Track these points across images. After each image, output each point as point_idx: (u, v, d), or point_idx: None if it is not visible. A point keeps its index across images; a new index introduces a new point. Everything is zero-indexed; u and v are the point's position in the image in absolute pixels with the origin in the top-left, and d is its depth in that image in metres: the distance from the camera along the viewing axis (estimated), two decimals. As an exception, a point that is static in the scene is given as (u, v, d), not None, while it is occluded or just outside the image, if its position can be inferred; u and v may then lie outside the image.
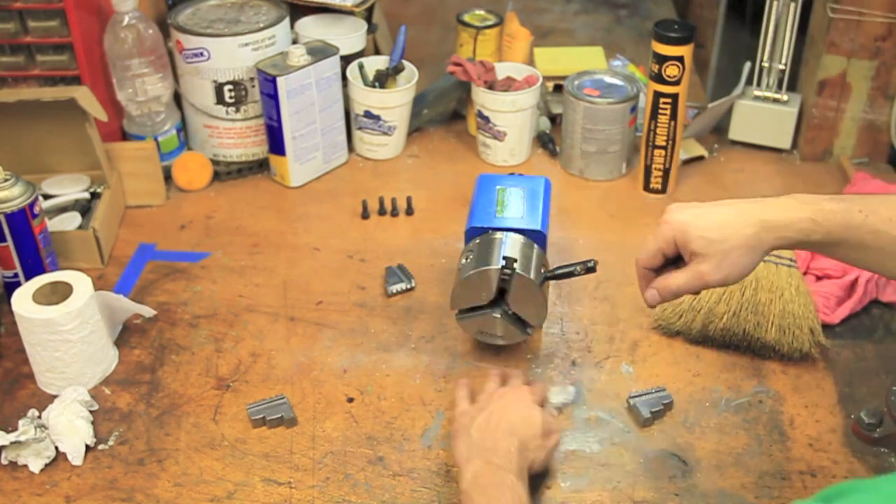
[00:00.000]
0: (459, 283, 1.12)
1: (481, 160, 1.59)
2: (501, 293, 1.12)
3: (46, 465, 1.04)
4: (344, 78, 1.54)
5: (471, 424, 0.99)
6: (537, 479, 1.02)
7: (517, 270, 1.10)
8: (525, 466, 0.95)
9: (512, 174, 1.29)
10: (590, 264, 1.12)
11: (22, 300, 1.10)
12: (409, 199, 1.47)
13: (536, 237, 1.16)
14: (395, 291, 1.29)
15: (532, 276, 1.10)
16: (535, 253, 1.15)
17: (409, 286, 1.29)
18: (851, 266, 1.14)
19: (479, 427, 0.98)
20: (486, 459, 0.93)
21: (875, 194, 0.90)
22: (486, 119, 1.54)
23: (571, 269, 1.14)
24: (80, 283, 1.13)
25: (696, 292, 0.98)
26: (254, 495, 1.01)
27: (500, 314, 1.13)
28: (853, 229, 0.87)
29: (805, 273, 1.28)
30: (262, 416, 1.08)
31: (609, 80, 1.55)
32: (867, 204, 0.88)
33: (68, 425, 1.05)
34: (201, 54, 1.44)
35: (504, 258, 1.11)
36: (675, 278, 0.93)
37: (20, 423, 1.04)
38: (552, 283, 1.23)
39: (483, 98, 1.54)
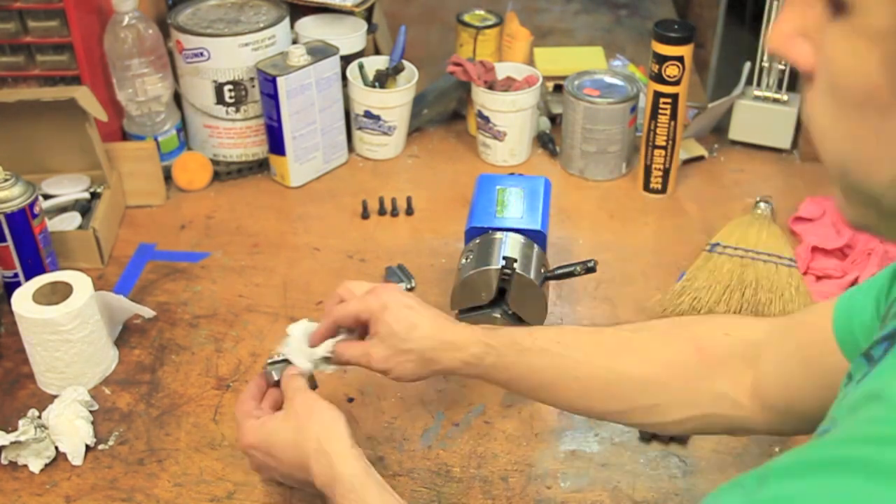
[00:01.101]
0: (459, 283, 1.12)
1: (481, 160, 1.59)
2: (501, 293, 1.12)
3: (46, 465, 1.04)
4: (344, 78, 1.54)
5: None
6: (536, 481, 1.02)
7: (517, 270, 1.10)
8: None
9: (512, 174, 1.29)
10: (590, 264, 1.13)
11: (22, 300, 1.10)
12: (409, 199, 1.47)
13: (536, 237, 1.16)
14: None
15: (532, 276, 1.10)
16: (535, 253, 1.15)
17: (409, 286, 1.29)
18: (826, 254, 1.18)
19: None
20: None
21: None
22: (486, 119, 1.54)
23: (571, 269, 1.14)
24: (80, 283, 1.13)
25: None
26: (254, 495, 1.01)
27: (500, 314, 1.13)
28: (524, 351, 0.91)
29: (805, 273, 1.28)
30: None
31: (609, 80, 1.55)
32: (539, 330, 0.94)
33: (68, 425, 1.05)
34: (201, 54, 1.44)
35: (504, 258, 1.11)
36: (350, 348, 0.98)
37: (20, 423, 1.04)
38: (552, 283, 1.23)
39: (483, 98, 1.54)
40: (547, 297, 1.15)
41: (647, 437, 1.06)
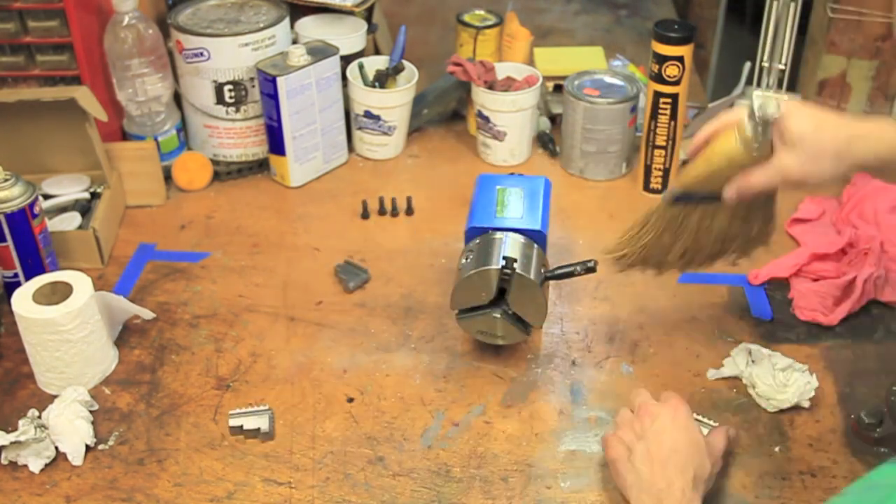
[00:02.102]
0: (459, 283, 1.12)
1: (481, 160, 1.59)
2: (501, 293, 1.12)
3: (46, 465, 1.04)
4: (344, 78, 1.54)
5: (632, 452, 0.94)
6: (536, 481, 1.02)
7: (517, 270, 1.10)
8: (700, 498, 0.91)
9: (512, 174, 1.29)
10: (590, 264, 1.13)
11: (22, 300, 1.10)
12: (409, 199, 1.47)
13: (536, 237, 1.16)
14: (353, 287, 1.30)
15: (532, 276, 1.10)
16: (535, 253, 1.15)
17: (367, 276, 1.31)
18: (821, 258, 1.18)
19: (643, 459, 0.93)
20: (659, 499, 0.89)
21: None
22: (486, 119, 1.54)
23: (571, 269, 1.14)
24: (80, 283, 1.13)
25: (771, 195, 0.98)
26: (254, 495, 1.01)
27: (500, 314, 1.13)
28: None
29: (797, 274, 1.28)
30: (240, 424, 1.08)
31: (609, 80, 1.55)
32: None
33: (68, 425, 1.05)
34: (201, 54, 1.44)
35: (504, 258, 1.11)
36: (756, 174, 0.92)
37: (20, 423, 1.04)
38: (552, 282, 1.23)
39: (483, 98, 1.54)
40: (547, 297, 1.15)
41: None
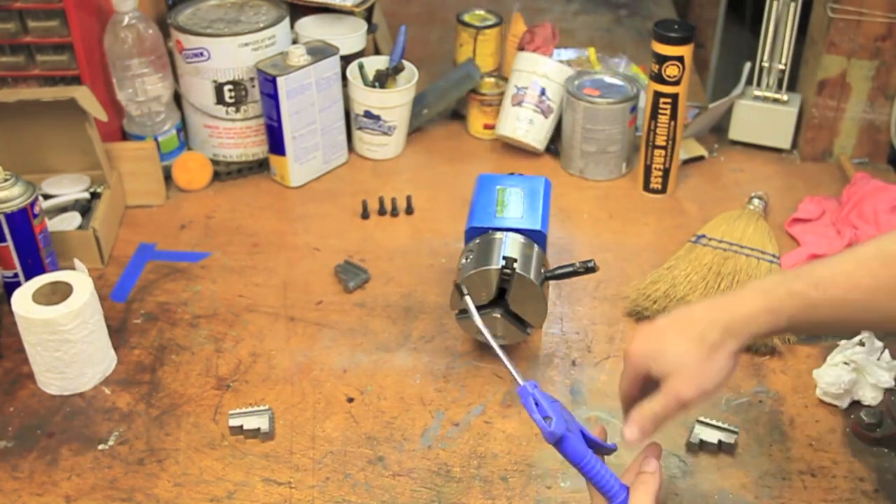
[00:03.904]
0: (465, 281, 1.13)
1: (481, 160, 1.59)
2: (502, 293, 1.12)
3: (46, 465, 1.04)
4: (344, 78, 1.54)
5: None
6: (536, 481, 1.02)
7: (517, 270, 1.10)
8: None
9: (512, 174, 1.29)
10: (590, 264, 1.13)
11: (22, 300, 1.10)
12: (409, 199, 1.47)
13: (536, 237, 1.16)
14: (353, 287, 1.30)
15: (532, 276, 1.10)
16: (535, 253, 1.15)
17: (367, 276, 1.31)
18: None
19: None
20: None
21: (822, 260, 0.85)
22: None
23: (571, 269, 1.14)
24: (80, 283, 1.13)
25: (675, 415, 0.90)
26: (254, 495, 1.01)
27: (500, 314, 1.13)
28: (815, 308, 0.82)
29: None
30: (240, 424, 1.08)
31: (609, 80, 1.55)
32: (820, 276, 0.82)
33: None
34: (201, 54, 1.44)
35: (504, 258, 1.11)
36: (651, 404, 0.86)
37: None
38: (552, 282, 1.23)
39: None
40: (547, 297, 1.15)
41: (696, 448, 1.06)
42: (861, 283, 0.80)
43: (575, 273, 1.13)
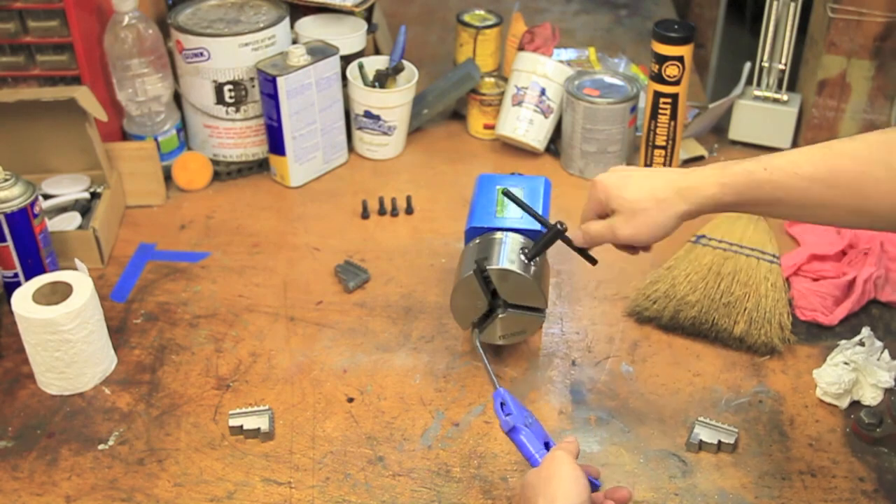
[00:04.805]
0: (453, 302, 1.13)
1: (481, 160, 1.59)
2: (496, 294, 1.12)
3: (47, 465, 1.04)
4: (344, 78, 1.54)
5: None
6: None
7: (489, 266, 1.10)
8: None
9: (512, 174, 1.29)
10: (559, 226, 1.09)
11: (22, 300, 1.10)
12: (409, 199, 1.47)
13: (536, 237, 1.16)
14: (353, 287, 1.30)
15: (506, 265, 1.10)
16: (508, 242, 1.13)
17: (367, 276, 1.31)
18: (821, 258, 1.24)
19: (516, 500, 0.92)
20: None
21: (781, 151, 0.94)
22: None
23: (546, 239, 1.11)
24: (80, 283, 1.13)
25: (628, 250, 1.03)
26: (254, 495, 1.01)
27: (505, 313, 1.13)
28: (760, 186, 0.90)
29: (797, 273, 1.28)
30: (240, 424, 1.08)
31: (609, 80, 1.55)
32: (771, 161, 0.91)
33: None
34: (201, 54, 1.44)
35: (475, 262, 1.11)
36: (593, 225, 1.01)
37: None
38: (552, 283, 1.22)
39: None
40: (542, 277, 1.14)
41: (696, 447, 1.06)
42: (802, 170, 0.87)
43: (550, 241, 1.11)
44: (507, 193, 1.13)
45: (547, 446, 0.95)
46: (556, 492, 0.85)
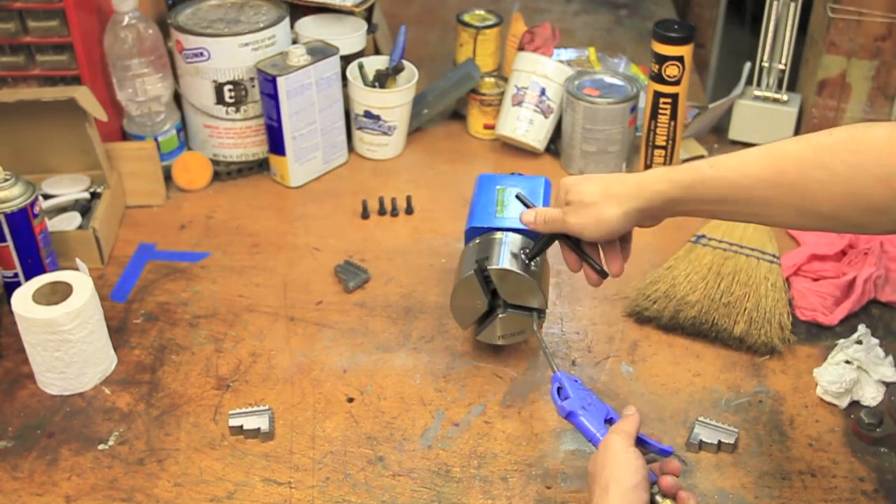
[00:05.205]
0: (453, 302, 1.13)
1: (481, 160, 1.59)
2: (496, 294, 1.12)
3: (47, 465, 1.04)
4: (344, 78, 1.54)
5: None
6: (536, 481, 1.02)
7: (490, 266, 1.10)
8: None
9: (512, 174, 1.29)
10: None
11: (22, 300, 1.10)
12: (409, 199, 1.47)
13: (537, 237, 1.16)
14: (353, 287, 1.30)
15: (506, 265, 1.10)
16: (508, 242, 1.13)
17: (367, 276, 1.31)
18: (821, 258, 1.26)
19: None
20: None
21: (732, 152, 0.96)
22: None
23: (546, 239, 1.11)
24: (80, 283, 1.13)
25: (577, 244, 1.06)
26: (254, 495, 1.01)
27: (504, 313, 1.13)
28: (706, 182, 0.92)
29: (797, 273, 1.28)
30: (240, 424, 1.08)
31: (609, 80, 1.55)
32: (719, 159, 0.93)
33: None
34: (201, 54, 1.44)
35: (476, 261, 1.11)
36: (547, 210, 1.05)
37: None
38: (553, 283, 1.22)
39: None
40: (543, 277, 1.14)
41: (695, 447, 1.06)
42: (748, 169, 0.90)
43: (550, 241, 1.11)
44: (520, 197, 1.14)
45: (610, 422, 0.97)
46: (609, 478, 0.87)
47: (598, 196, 0.98)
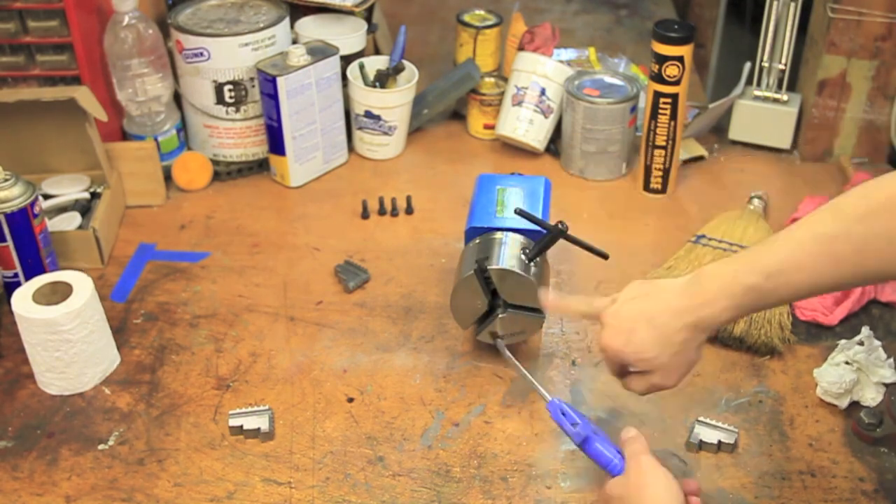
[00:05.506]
0: (453, 302, 1.13)
1: (481, 160, 1.59)
2: (496, 294, 1.12)
3: (47, 465, 1.04)
4: (344, 78, 1.54)
5: None
6: (536, 481, 1.02)
7: (490, 266, 1.10)
8: None
9: (512, 174, 1.29)
10: (560, 226, 1.11)
11: (22, 300, 1.10)
12: (409, 199, 1.47)
13: (536, 237, 1.16)
14: (353, 287, 1.30)
15: (506, 265, 1.10)
16: (509, 243, 1.14)
17: (367, 276, 1.31)
18: None
19: None
20: None
21: (763, 245, 0.89)
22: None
23: (547, 238, 1.12)
24: (80, 283, 1.13)
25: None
26: (254, 495, 1.01)
27: (505, 313, 1.13)
28: (768, 295, 0.88)
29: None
30: (240, 424, 1.08)
31: (609, 80, 1.55)
32: (767, 266, 0.87)
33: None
34: (201, 54, 1.44)
35: (476, 262, 1.11)
36: (637, 383, 0.96)
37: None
38: (552, 283, 1.22)
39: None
40: (543, 279, 1.14)
41: (696, 448, 1.06)
42: (804, 265, 0.86)
43: (551, 241, 1.11)
44: (519, 212, 1.13)
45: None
46: (653, 500, 0.86)
47: (667, 356, 0.92)
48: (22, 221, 1.19)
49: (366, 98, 1.55)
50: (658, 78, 1.41)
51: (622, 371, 0.97)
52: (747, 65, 1.61)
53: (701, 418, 1.07)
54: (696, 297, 0.90)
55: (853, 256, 0.83)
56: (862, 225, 0.83)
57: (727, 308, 0.89)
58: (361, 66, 1.58)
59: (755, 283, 0.87)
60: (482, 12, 1.73)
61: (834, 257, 0.84)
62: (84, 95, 1.33)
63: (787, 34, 1.52)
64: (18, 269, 1.22)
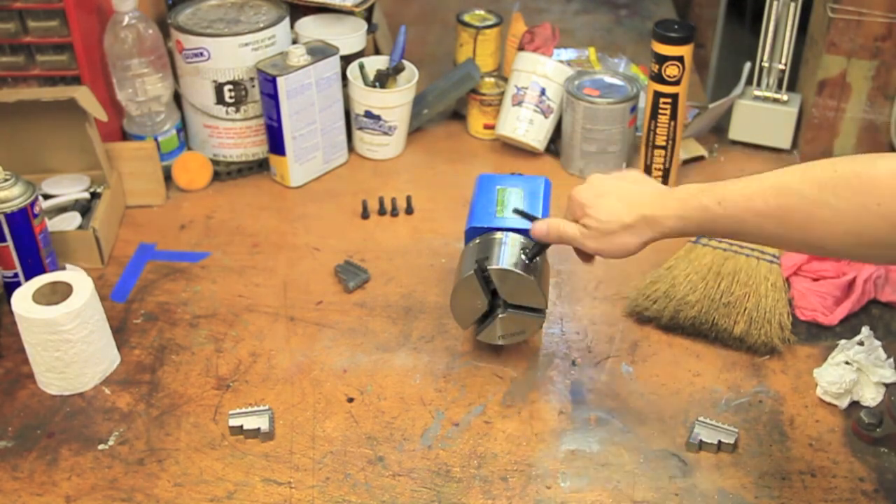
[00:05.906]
0: (453, 302, 1.13)
1: (481, 160, 1.59)
2: (496, 294, 1.12)
3: (47, 465, 1.04)
4: (344, 78, 1.54)
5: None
6: (536, 481, 1.02)
7: (490, 266, 1.10)
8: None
9: (512, 174, 1.29)
10: None
11: (22, 300, 1.10)
12: (409, 199, 1.47)
13: (536, 237, 1.16)
14: (353, 287, 1.30)
15: (506, 265, 1.10)
16: (508, 242, 1.14)
17: (367, 276, 1.31)
18: (820, 258, 1.25)
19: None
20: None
21: (734, 180, 0.95)
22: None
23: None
24: (80, 283, 1.13)
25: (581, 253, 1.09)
26: (254, 495, 1.01)
27: (504, 313, 1.13)
28: (716, 221, 0.93)
29: (797, 273, 1.28)
30: (240, 424, 1.08)
31: (609, 80, 1.55)
32: (724, 192, 0.93)
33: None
34: (201, 54, 1.44)
35: (476, 262, 1.11)
36: (566, 226, 1.06)
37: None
38: (552, 283, 1.22)
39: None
40: (543, 278, 1.14)
41: (695, 448, 1.06)
42: (754, 207, 0.89)
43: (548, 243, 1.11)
44: (517, 212, 1.16)
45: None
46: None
47: (616, 225, 1.00)
48: (22, 221, 1.19)
49: (366, 98, 1.55)
50: (658, 78, 1.41)
51: (572, 219, 1.06)
52: (747, 65, 1.61)
53: (701, 418, 1.07)
54: (659, 198, 0.99)
55: (800, 217, 0.86)
56: (820, 191, 0.84)
57: (677, 217, 0.96)
58: (361, 66, 1.58)
59: (707, 205, 0.94)
60: (482, 12, 1.73)
61: (784, 209, 0.87)
62: (84, 95, 1.33)
63: (787, 34, 1.53)
64: (18, 269, 1.22)
